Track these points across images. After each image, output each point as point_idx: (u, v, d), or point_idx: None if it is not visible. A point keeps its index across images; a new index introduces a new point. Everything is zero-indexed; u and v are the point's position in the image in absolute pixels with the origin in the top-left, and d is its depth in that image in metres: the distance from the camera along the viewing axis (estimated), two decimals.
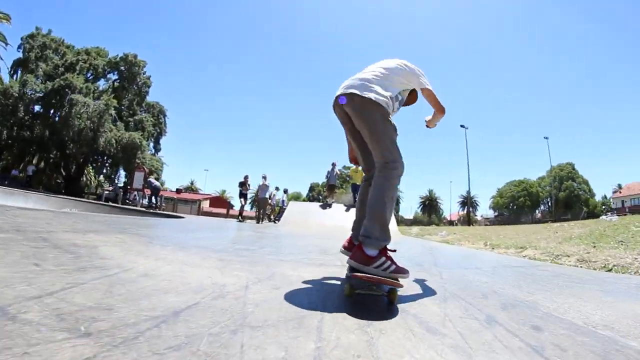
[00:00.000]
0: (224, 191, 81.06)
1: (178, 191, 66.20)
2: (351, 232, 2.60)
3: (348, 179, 50.75)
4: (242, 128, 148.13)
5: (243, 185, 16.32)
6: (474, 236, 9.96)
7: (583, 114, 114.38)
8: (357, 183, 15.31)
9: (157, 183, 21.06)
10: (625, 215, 49.67)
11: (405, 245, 6.87)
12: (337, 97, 2.32)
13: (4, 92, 29.19)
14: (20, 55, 33.29)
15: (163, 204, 28.67)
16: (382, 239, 2.03)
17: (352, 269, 2.08)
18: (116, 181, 37.83)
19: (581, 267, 4.70)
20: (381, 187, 2.12)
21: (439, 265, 3.84)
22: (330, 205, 15.03)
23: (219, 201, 65.62)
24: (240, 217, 16.00)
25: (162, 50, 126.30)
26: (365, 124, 2.22)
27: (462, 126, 40.19)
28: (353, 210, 13.77)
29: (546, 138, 48.55)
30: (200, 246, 3.93)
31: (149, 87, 39.97)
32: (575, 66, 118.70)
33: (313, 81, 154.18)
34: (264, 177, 16.31)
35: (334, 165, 16.58)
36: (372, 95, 2.17)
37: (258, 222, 15.50)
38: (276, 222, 16.29)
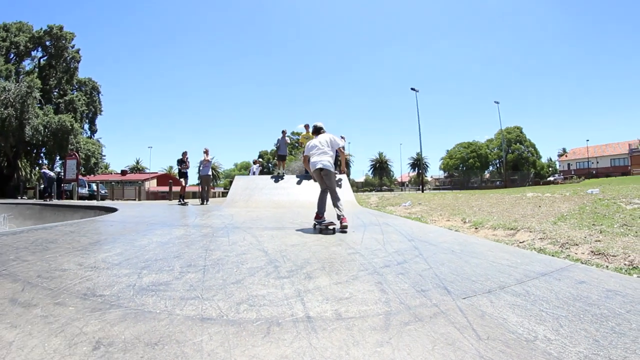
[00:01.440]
0: (170, 167, 78.01)
1: (123, 173, 62.98)
2: (317, 210, 5.92)
3: (297, 145, 49.61)
4: (183, 98, 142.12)
5: (182, 162, 14.33)
6: (444, 208, 8.94)
7: (531, 80, 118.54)
8: None
9: (51, 173, 21.40)
10: (571, 177, 52.53)
11: (371, 230, 5.67)
12: (320, 168, 5.84)
13: None
14: None
15: (100, 192, 26.34)
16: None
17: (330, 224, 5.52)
18: (60, 171, 34.43)
19: (607, 267, 3.67)
20: (337, 199, 5.79)
21: (447, 286, 2.67)
22: (282, 177, 13.89)
23: (167, 179, 62.81)
24: (181, 199, 14.29)
25: (89, 18, 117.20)
26: (330, 179, 5.87)
27: (412, 89, 39.38)
28: (305, 183, 12.89)
29: (497, 102, 48.86)
30: (53, 289, 2.67)
31: (78, 62, 36.19)
32: (527, 34, 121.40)
33: (256, 46, 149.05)
34: (206, 152, 14.32)
35: (284, 133, 15.40)
36: (334, 170, 5.94)
37: (202, 203, 13.96)
38: None
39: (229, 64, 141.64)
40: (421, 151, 42.51)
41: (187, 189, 14.85)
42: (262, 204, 11.00)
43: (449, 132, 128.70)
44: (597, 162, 63.48)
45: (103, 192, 26.46)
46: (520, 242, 5.11)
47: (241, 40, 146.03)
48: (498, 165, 66.90)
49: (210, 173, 14.69)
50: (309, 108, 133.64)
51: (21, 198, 24.57)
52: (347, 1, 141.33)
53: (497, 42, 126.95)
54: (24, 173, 35.87)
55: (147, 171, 73.24)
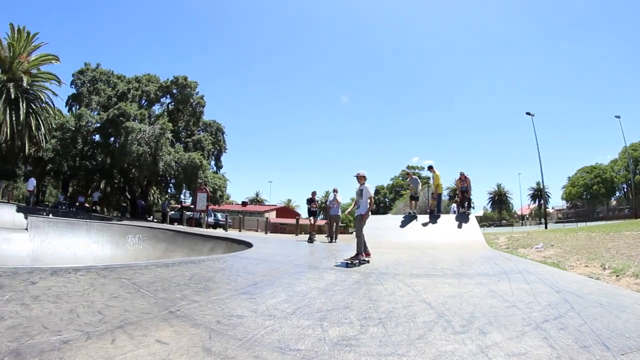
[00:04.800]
0: (289, 200, 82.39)
1: (244, 204, 68.19)
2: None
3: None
4: (299, 133, 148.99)
5: (311, 202, 15.61)
6: (579, 251, 8.82)
7: None
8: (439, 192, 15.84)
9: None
10: None
11: (515, 278, 5.90)
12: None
13: (62, 127, 31.27)
14: (73, 90, 35.12)
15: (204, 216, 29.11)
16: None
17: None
18: (183, 199, 40.84)
19: None
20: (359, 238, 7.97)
21: (605, 342, 3.13)
22: (415, 217, 14.54)
23: (286, 211, 67.68)
24: (310, 236, 15.34)
25: (209, 69, 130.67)
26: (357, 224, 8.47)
27: (527, 113, 37.65)
28: (431, 225, 13.42)
29: (618, 117, 44.56)
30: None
31: (203, 106, 40.82)
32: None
33: (371, 78, 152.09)
34: (335, 191, 14.97)
35: (409, 175, 17.35)
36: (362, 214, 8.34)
37: (331, 241, 14.78)
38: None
39: (341, 94, 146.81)
40: (542, 180, 40.03)
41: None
42: (393, 245, 11.33)
43: (568, 155, 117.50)
44: None
45: (229, 222, 29.93)
46: None
47: (355, 75, 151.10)
48: (625, 189, 59.99)
49: (339, 213, 15.27)
50: (422, 140, 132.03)
51: (150, 219, 30.99)
52: (449, 30, 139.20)
53: (607, 47, 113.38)
54: (151, 198, 41.89)
55: (266, 203, 78.18)
